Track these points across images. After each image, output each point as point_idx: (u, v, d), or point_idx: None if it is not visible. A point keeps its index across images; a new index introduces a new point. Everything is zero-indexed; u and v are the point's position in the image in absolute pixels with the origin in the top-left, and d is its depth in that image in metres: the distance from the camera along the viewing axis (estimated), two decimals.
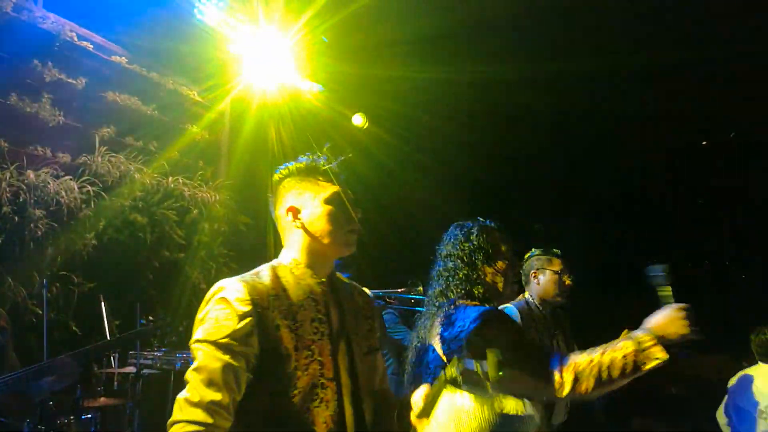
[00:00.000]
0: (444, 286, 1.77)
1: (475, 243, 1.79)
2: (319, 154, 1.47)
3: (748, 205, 7.08)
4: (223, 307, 1.26)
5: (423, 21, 5.01)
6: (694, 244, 7.66)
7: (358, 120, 5.47)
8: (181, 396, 1.22)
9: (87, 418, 2.67)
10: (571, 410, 2.68)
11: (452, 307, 1.70)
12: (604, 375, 1.44)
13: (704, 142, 7.18)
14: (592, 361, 1.46)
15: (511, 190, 6.83)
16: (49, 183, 3.49)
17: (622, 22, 4.89)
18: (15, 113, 3.55)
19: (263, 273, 1.37)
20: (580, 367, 1.46)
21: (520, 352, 1.53)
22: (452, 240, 1.84)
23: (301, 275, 1.39)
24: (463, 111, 6.05)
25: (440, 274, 1.81)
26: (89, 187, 3.72)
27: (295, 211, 1.41)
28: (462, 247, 1.79)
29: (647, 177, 7.16)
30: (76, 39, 3.97)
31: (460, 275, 1.76)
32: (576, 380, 1.45)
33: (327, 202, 1.41)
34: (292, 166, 1.46)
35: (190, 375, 1.23)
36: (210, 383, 1.20)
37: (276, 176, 1.47)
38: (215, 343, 1.23)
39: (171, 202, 4.28)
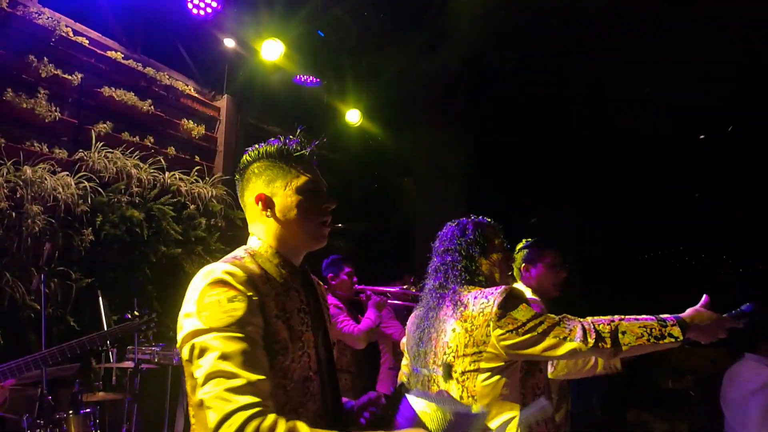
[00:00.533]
0: (443, 279, 1.86)
1: (470, 237, 1.90)
2: (291, 136, 1.36)
3: (746, 198, 7.08)
4: (223, 291, 1.14)
5: (416, 13, 5.01)
6: (691, 236, 7.69)
7: (354, 117, 5.48)
8: (216, 390, 1.06)
9: (85, 412, 2.69)
10: (569, 403, 2.71)
11: (459, 292, 1.79)
12: (621, 337, 1.55)
13: (701, 136, 7.19)
14: (612, 321, 1.58)
15: (507, 183, 6.84)
16: (46, 179, 3.49)
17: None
18: (11, 109, 3.55)
19: (245, 259, 1.26)
20: (599, 325, 1.57)
21: (543, 317, 1.64)
22: (449, 236, 1.94)
23: (280, 263, 1.29)
24: (458, 102, 6.05)
25: (438, 269, 1.90)
26: (86, 183, 3.72)
27: (265, 200, 1.31)
28: (459, 242, 1.89)
29: (642, 169, 7.17)
30: (71, 34, 3.97)
31: (459, 267, 1.85)
32: (598, 337, 1.55)
33: (299, 191, 1.30)
34: (262, 148, 1.34)
35: (219, 364, 1.07)
36: (246, 364, 1.08)
37: (245, 158, 1.36)
38: (226, 329, 1.10)
39: (168, 197, 4.28)
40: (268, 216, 1.31)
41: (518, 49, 5.14)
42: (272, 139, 1.36)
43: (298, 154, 1.34)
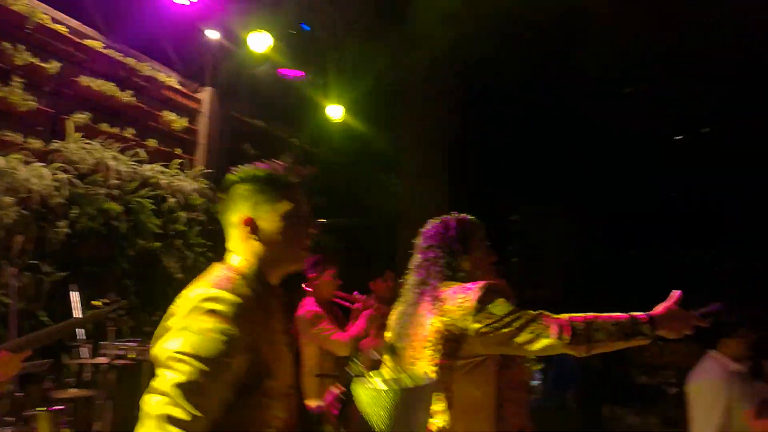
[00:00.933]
0: (425, 275, 1.87)
1: (453, 234, 1.91)
2: (279, 161, 1.42)
3: (746, 197, 7.14)
4: (214, 321, 1.17)
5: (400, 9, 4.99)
6: (678, 234, 7.79)
7: (337, 112, 5.44)
8: (161, 412, 1.09)
9: (57, 409, 2.63)
10: (545, 398, 2.73)
11: (439, 288, 1.80)
12: (594, 334, 1.60)
13: (679, 137, 7.29)
14: (586, 318, 1.62)
15: (491, 181, 6.87)
16: (19, 169, 3.39)
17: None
18: None
19: (237, 281, 1.28)
20: (576, 323, 1.61)
21: (521, 312, 1.67)
22: (432, 233, 1.95)
23: (264, 284, 1.35)
24: (444, 100, 6.05)
25: (420, 265, 1.91)
26: (62, 174, 3.63)
27: (251, 223, 1.34)
28: (442, 238, 1.91)
29: (638, 168, 7.24)
30: (49, 22, 3.87)
31: (441, 264, 1.86)
32: (574, 333, 1.59)
33: (284, 217, 1.35)
34: (251, 171, 1.39)
35: (173, 390, 1.11)
36: (198, 404, 1.11)
37: (232, 177, 1.40)
38: (206, 360, 1.13)
39: (147, 190, 4.20)
40: (254, 239, 1.35)
41: (506, 44, 5.15)
42: (260, 162, 1.42)
43: (285, 182, 1.39)
